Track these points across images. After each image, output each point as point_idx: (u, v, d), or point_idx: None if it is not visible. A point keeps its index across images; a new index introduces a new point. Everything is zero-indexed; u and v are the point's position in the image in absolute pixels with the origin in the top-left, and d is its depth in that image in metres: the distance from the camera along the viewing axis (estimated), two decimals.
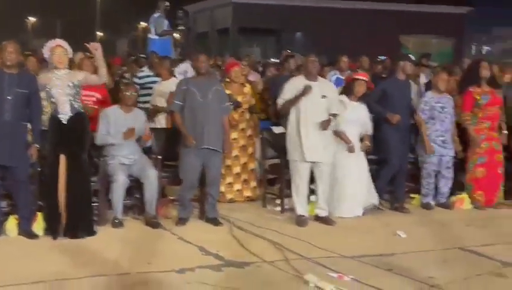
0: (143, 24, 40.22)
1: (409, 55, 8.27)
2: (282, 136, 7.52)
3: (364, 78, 7.54)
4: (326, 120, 6.90)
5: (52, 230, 6.19)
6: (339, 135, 7.26)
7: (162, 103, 7.89)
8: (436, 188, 7.97)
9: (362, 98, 7.52)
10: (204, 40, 35.77)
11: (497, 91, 8.11)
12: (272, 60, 17.50)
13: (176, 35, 10.56)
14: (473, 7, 38.22)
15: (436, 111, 7.85)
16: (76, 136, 6.23)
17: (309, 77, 7.02)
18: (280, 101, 7.06)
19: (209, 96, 6.74)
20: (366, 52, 31.28)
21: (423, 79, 11.05)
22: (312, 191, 7.23)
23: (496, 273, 5.47)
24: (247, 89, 8.11)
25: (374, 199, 7.50)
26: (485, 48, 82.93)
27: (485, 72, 7.93)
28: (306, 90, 6.83)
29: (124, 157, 6.73)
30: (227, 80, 8.02)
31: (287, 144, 7.05)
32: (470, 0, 37.74)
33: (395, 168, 7.66)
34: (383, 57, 32.21)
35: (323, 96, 6.94)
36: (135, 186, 6.92)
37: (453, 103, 8.01)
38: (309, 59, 7.08)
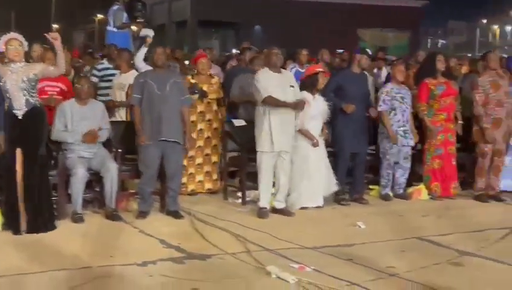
0: (100, 16, 39.77)
1: (366, 49, 8.37)
2: (243, 128, 7.56)
3: (323, 70, 7.63)
4: (301, 101, 6.94)
5: (11, 225, 6.11)
6: (303, 133, 7.30)
7: (121, 95, 7.83)
8: (394, 178, 8.10)
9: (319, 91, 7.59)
10: (161, 33, 35.50)
11: (452, 82, 8.26)
12: (234, 51, 17.57)
13: (134, 27, 10.44)
14: (429, 1, 38.74)
15: (397, 101, 7.97)
16: (32, 131, 6.15)
17: (273, 69, 7.06)
18: (262, 93, 6.96)
19: (167, 89, 6.74)
20: (325, 45, 31.50)
21: (384, 72, 11.21)
22: (273, 183, 7.28)
23: (452, 262, 5.59)
24: (215, 80, 8.11)
25: (333, 186, 7.56)
26: (441, 41, 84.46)
27: (440, 65, 8.07)
28: (298, 106, 6.93)
29: (84, 151, 6.69)
30: (195, 70, 8.04)
31: (256, 135, 7.06)
32: None
33: (347, 159, 7.74)
34: (341, 50, 32.36)
35: (292, 86, 7.00)
36: (95, 179, 6.87)
37: (410, 94, 8.15)
38: (273, 52, 7.13)
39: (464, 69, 9.45)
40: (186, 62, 11.08)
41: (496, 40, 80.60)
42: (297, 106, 6.97)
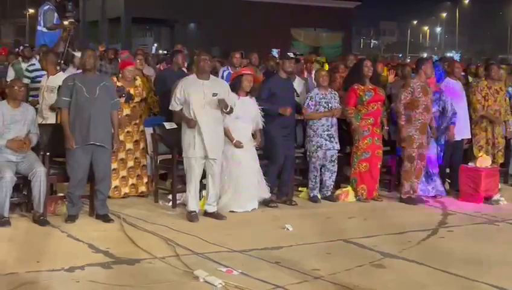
0: (31, 11, 38.89)
1: (289, 53, 8.53)
2: (174, 131, 7.60)
3: (250, 73, 7.74)
4: (222, 99, 7.02)
5: None
6: (224, 131, 7.39)
7: (51, 98, 7.74)
8: (321, 181, 8.29)
9: (252, 93, 7.69)
10: (94, 29, 35.04)
11: (379, 89, 8.50)
12: (162, 52, 17.47)
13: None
14: (361, 2, 39.47)
15: (322, 106, 8.16)
16: None
17: (201, 75, 7.12)
18: (173, 104, 7.10)
19: (96, 92, 6.71)
20: (259, 44, 31.65)
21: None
22: (203, 186, 7.36)
23: (375, 264, 5.80)
24: (139, 82, 8.10)
25: (265, 193, 7.70)
26: (373, 42, 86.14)
27: (367, 71, 8.30)
28: (191, 124, 6.95)
29: (12, 155, 6.60)
30: (120, 75, 8.01)
31: (182, 141, 7.12)
32: None
33: (281, 164, 7.89)
34: (275, 51, 32.71)
35: (214, 94, 7.05)
36: (23, 183, 6.79)
37: (338, 98, 8.35)
38: (201, 57, 7.19)
39: (391, 78, 9.72)
40: None
41: (426, 41, 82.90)
42: (219, 103, 7.00)
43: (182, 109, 7.09)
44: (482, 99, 8.84)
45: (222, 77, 9.25)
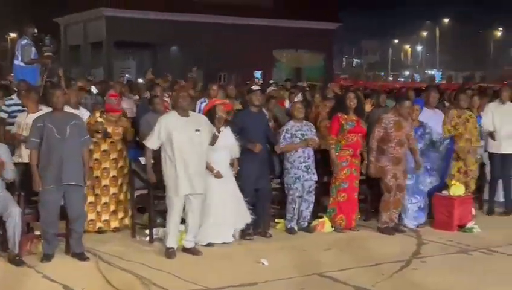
0: (13, 35, 38.84)
1: (253, 86, 8.63)
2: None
3: (222, 103, 7.82)
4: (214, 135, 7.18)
5: None
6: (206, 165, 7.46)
7: None
8: (298, 211, 8.36)
9: (226, 124, 7.78)
10: (77, 54, 35.08)
11: (362, 121, 8.59)
12: (141, 80, 17.36)
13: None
14: (342, 23, 39.85)
15: (298, 138, 8.25)
16: None
17: (180, 112, 7.20)
18: (152, 141, 7.17)
19: (67, 132, 6.74)
20: (242, 66, 31.77)
21: (287, 104, 11.54)
22: (181, 221, 7.40)
23: None
24: (122, 122, 8.13)
25: (247, 218, 7.74)
26: (355, 61, 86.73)
27: (349, 103, 8.41)
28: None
29: None
30: (104, 115, 8.07)
31: (164, 178, 7.17)
32: (338, 16, 39.31)
33: (251, 196, 7.96)
34: (258, 74, 32.79)
35: (197, 130, 7.14)
36: None
37: (314, 130, 8.45)
38: (180, 94, 7.29)
39: (368, 107, 9.86)
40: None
41: (408, 60, 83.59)
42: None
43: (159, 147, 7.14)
44: (452, 129, 8.97)
45: (200, 110, 9.31)
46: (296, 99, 11.29)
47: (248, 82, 13.51)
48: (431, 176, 8.80)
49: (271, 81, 10.25)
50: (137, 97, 11.47)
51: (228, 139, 7.68)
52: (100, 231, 7.94)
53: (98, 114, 8.09)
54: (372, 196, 8.85)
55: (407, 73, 77.48)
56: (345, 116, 8.39)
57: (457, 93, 9.57)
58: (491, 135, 9.37)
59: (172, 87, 12.27)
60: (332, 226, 8.43)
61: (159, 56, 35.52)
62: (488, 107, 9.63)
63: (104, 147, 7.94)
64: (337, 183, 8.41)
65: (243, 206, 7.73)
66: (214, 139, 7.30)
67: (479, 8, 72.75)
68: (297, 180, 8.21)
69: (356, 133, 8.40)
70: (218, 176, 7.50)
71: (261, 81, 31.99)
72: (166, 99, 10.21)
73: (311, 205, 8.41)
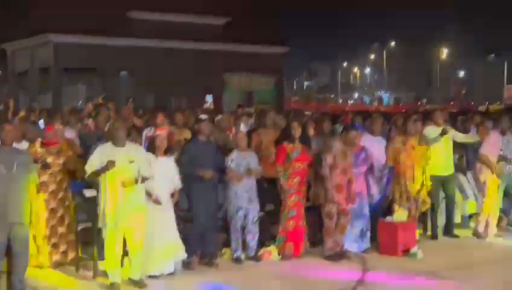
0: None
1: (201, 115, 8.67)
2: (94, 199, 7.56)
3: (162, 133, 7.81)
4: (142, 175, 7.10)
5: None
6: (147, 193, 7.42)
7: None
8: (245, 241, 8.37)
9: (170, 153, 7.77)
10: (24, 80, 34.54)
11: (308, 149, 8.69)
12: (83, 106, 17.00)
13: None
14: (292, 46, 40.28)
15: (242, 168, 8.28)
16: None
17: (116, 142, 7.17)
18: (87, 168, 7.14)
19: (14, 168, 6.62)
20: (193, 90, 31.66)
21: (243, 128, 11.56)
22: (126, 253, 7.33)
23: None
24: (65, 154, 8.03)
25: (182, 253, 7.70)
26: (306, 83, 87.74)
27: (294, 132, 8.50)
28: (108, 166, 6.96)
29: None
30: (43, 141, 7.97)
31: (98, 210, 7.11)
32: (289, 39, 39.77)
33: (202, 227, 7.96)
34: (210, 98, 32.66)
35: (131, 162, 7.10)
36: None
37: (257, 160, 8.50)
38: (115, 127, 7.26)
39: (311, 132, 9.96)
40: None
41: (357, 81, 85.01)
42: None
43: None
44: (395, 155, 9.12)
45: (145, 140, 9.25)
46: (241, 127, 11.36)
47: (197, 109, 13.44)
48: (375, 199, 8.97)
49: (202, 116, 9.94)
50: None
51: (169, 169, 7.67)
52: (41, 266, 7.78)
53: (37, 144, 7.96)
54: (319, 223, 8.91)
55: (356, 95, 78.76)
56: (291, 145, 8.48)
57: (405, 121, 9.72)
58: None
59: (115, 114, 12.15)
60: (279, 254, 8.46)
61: (109, 81, 35.19)
62: (425, 130, 9.79)
63: (43, 178, 7.77)
64: (286, 211, 8.48)
65: (179, 239, 7.68)
66: (151, 170, 7.26)
67: (425, 30, 74.55)
68: (240, 210, 8.23)
69: (302, 161, 8.50)
70: (156, 201, 7.45)
71: (212, 106, 32.03)
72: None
73: (257, 235, 8.42)
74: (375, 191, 9.01)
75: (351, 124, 9.85)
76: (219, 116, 10.90)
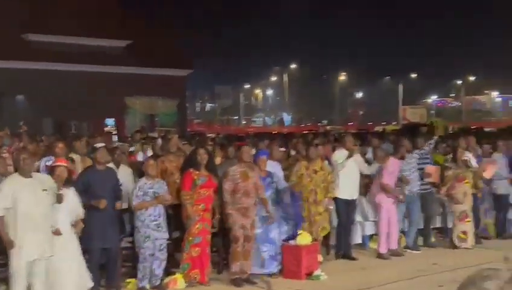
0: None
1: (97, 144, 8.59)
2: None
3: (63, 165, 7.64)
4: (59, 194, 6.96)
5: None
6: None
7: None
8: (151, 270, 8.28)
9: (69, 184, 7.62)
10: None
11: (213, 176, 8.70)
12: None
13: None
14: (194, 69, 40.41)
15: (149, 197, 8.22)
16: None
17: (23, 173, 6.96)
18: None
19: None
20: (94, 114, 31.16)
21: (140, 157, 11.44)
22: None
23: None
24: None
25: (88, 282, 7.53)
26: (209, 105, 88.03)
27: (200, 159, 8.50)
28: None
29: None
30: None
31: (6, 244, 6.85)
32: (191, 62, 39.87)
33: (98, 257, 7.81)
34: (111, 121, 32.21)
35: (44, 190, 6.93)
36: None
37: (166, 188, 8.46)
38: (21, 156, 7.05)
39: (218, 160, 10.01)
40: None
41: (259, 103, 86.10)
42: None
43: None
44: (297, 180, 9.31)
45: (43, 169, 9.01)
46: (149, 153, 11.28)
47: (96, 136, 13.15)
48: (288, 224, 9.09)
49: (98, 144, 9.64)
50: None
51: (70, 199, 7.51)
52: None
53: None
54: (225, 248, 8.95)
55: (259, 118, 79.77)
56: (197, 172, 8.49)
57: (307, 146, 9.94)
58: None
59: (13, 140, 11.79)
60: (185, 282, 8.41)
61: (5, 105, 34.07)
62: (334, 155, 10.03)
63: None
64: (191, 238, 8.45)
65: (85, 269, 7.53)
66: (58, 198, 7.10)
67: (324, 53, 76.69)
68: (148, 239, 8.15)
69: (208, 188, 8.52)
70: (57, 233, 7.25)
71: (115, 131, 31.51)
72: (5, 155, 9.77)
73: (164, 263, 8.35)
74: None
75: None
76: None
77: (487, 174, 11.11)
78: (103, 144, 8.71)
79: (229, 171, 8.60)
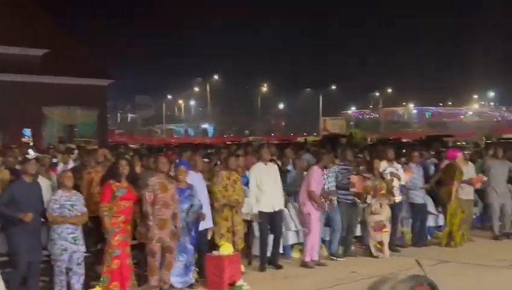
0: None
1: (29, 152, 8.35)
2: None
3: None
4: None
5: None
6: None
7: None
8: (69, 284, 8.08)
9: None
10: None
11: (133, 188, 8.55)
12: None
13: None
14: (114, 79, 39.91)
15: (66, 209, 8.03)
16: None
17: None
18: None
19: None
20: (9, 124, 30.36)
21: (62, 167, 11.18)
22: None
23: None
24: None
25: None
26: (130, 116, 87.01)
27: (122, 170, 8.35)
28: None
29: None
30: None
31: None
32: (110, 72, 39.41)
33: (24, 271, 7.59)
34: (28, 132, 31.49)
35: None
36: None
37: (83, 201, 8.29)
38: None
39: (138, 169, 9.87)
40: None
41: (182, 114, 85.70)
42: None
43: None
44: (223, 190, 9.31)
45: None
46: (70, 165, 11.03)
47: (14, 147, 12.80)
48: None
49: (30, 151, 9.55)
50: None
51: None
52: None
53: None
54: (146, 260, 8.81)
55: (182, 127, 79.42)
56: (117, 184, 8.34)
57: (227, 157, 9.95)
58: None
59: None
60: None
61: None
62: (252, 169, 10.09)
63: None
64: (110, 251, 8.28)
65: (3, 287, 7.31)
66: None
67: (247, 64, 77.25)
68: (64, 252, 7.95)
69: (128, 199, 8.38)
70: None
71: (32, 141, 30.67)
72: None
73: (82, 277, 8.16)
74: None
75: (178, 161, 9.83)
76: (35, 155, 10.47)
77: (403, 180, 11.41)
78: (34, 155, 8.44)
79: (149, 181, 8.51)
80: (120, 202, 8.28)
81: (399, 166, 11.39)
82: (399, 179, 11.17)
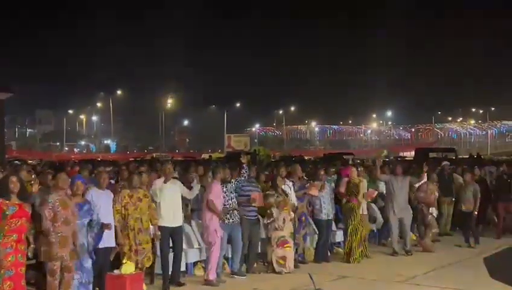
0: None
1: None
2: None
3: None
4: None
5: None
6: None
7: None
8: None
9: None
10: None
11: (25, 204, 8.27)
12: None
13: None
14: (13, 93, 38.64)
15: None
16: None
17: None
18: None
19: None
20: None
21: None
22: None
23: None
24: None
25: None
26: (29, 130, 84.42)
27: (13, 187, 8.05)
28: None
29: None
30: None
31: None
32: (9, 85, 38.15)
33: None
34: None
35: None
36: None
37: None
38: None
39: (35, 188, 9.59)
40: None
41: (84, 129, 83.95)
42: None
43: None
44: (122, 209, 9.18)
45: None
46: None
47: None
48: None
49: None
50: None
51: None
52: None
53: None
54: (43, 279, 8.55)
55: (82, 143, 77.75)
56: (6, 202, 8.04)
57: (130, 174, 9.84)
58: None
59: None
60: None
61: None
62: (154, 184, 10.03)
63: None
64: (2, 272, 7.96)
65: None
66: None
67: (151, 80, 76.61)
68: None
69: (19, 217, 8.08)
70: None
71: None
72: None
73: None
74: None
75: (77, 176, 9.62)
76: None
77: (313, 192, 11.65)
78: None
79: (47, 198, 8.28)
80: (11, 220, 7.97)
81: (291, 184, 11.60)
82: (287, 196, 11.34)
